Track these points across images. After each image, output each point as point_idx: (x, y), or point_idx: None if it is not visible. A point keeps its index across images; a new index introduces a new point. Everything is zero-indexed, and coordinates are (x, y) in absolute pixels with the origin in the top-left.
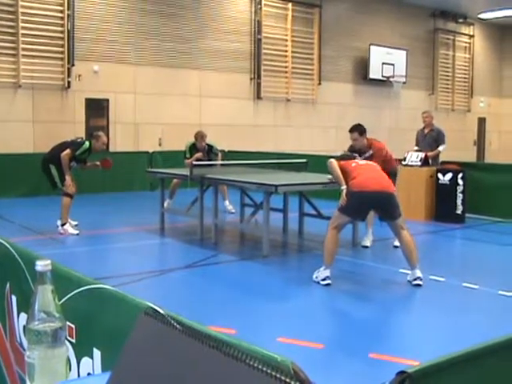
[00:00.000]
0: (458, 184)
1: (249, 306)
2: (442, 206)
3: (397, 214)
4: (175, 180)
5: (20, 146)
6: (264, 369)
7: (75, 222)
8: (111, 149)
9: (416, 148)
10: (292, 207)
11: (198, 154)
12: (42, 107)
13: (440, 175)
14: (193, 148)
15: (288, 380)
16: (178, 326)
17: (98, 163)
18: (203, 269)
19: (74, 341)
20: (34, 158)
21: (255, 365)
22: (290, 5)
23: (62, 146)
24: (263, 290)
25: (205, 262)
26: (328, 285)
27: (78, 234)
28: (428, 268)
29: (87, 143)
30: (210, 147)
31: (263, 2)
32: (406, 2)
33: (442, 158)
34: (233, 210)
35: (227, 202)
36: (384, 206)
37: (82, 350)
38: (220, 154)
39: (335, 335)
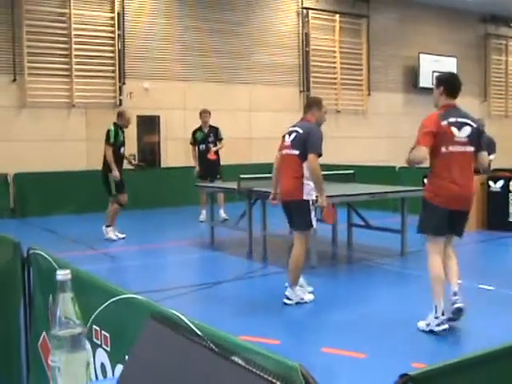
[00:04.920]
0: (509, 191)
1: (295, 316)
2: (493, 214)
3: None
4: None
5: (74, 163)
6: (270, 377)
7: (123, 235)
8: (163, 164)
9: None
10: (341, 218)
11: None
12: (94, 125)
13: (491, 183)
14: (197, 130)
15: None
16: (183, 331)
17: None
18: (251, 281)
19: (108, 349)
20: (87, 175)
21: (261, 373)
22: (337, 16)
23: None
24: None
25: (253, 274)
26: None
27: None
28: (478, 277)
29: (111, 127)
30: (216, 129)
31: (310, 15)
32: (455, 8)
33: (493, 165)
34: (226, 217)
35: (222, 211)
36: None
37: (116, 358)
38: (222, 142)
39: (380, 345)
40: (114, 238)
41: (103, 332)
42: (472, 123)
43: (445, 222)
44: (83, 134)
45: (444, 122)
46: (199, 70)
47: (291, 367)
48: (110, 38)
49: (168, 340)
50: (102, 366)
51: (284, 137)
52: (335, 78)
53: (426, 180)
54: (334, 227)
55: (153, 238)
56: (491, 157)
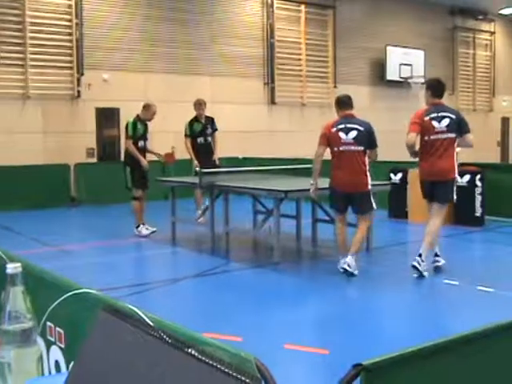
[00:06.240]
0: (476, 186)
1: (257, 313)
2: (460, 209)
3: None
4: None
5: (29, 157)
6: (226, 369)
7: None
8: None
9: None
10: (306, 213)
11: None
12: (51, 118)
13: (458, 177)
14: (194, 121)
15: (250, 377)
16: (136, 323)
17: (162, 154)
18: (214, 277)
19: (63, 346)
20: (44, 169)
21: (216, 364)
22: (302, 7)
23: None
24: (272, 297)
25: (216, 271)
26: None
27: (154, 232)
28: (443, 272)
29: (130, 120)
30: (211, 119)
31: (275, 5)
32: (423, 0)
33: (460, 160)
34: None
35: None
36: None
37: (70, 354)
38: (217, 134)
39: (342, 341)
40: (147, 233)
41: (57, 328)
42: (451, 115)
43: (427, 190)
44: (39, 127)
45: (426, 118)
46: (160, 60)
47: (246, 359)
48: (67, 26)
49: (120, 332)
50: (57, 363)
51: (336, 133)
52: (300, 71)
53: (392, 174)
54: (298, 222)
55: (112, 233)
56: (458, 149)
